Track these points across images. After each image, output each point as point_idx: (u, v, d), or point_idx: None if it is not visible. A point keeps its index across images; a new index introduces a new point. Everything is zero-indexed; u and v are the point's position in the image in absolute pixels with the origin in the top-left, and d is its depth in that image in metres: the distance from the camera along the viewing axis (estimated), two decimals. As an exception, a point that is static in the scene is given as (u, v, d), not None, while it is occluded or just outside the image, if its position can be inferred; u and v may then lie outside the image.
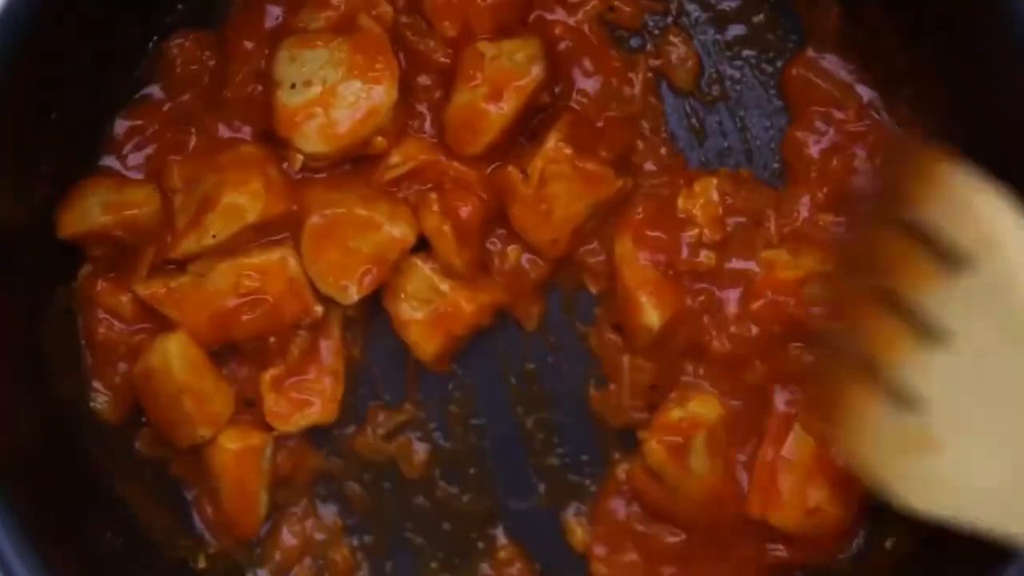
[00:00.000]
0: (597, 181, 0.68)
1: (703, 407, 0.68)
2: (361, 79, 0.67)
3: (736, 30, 0.72)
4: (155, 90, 0.70)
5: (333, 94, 0.67)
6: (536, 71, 0.68)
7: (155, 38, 0.70)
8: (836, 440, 0.56)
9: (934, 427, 0.51)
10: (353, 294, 0.68)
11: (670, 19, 0.72)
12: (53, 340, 0.67)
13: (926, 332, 0.52)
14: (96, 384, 0.69)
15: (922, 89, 0.67)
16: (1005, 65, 0.61)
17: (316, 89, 0.67)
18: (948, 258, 0.51)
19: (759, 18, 0.72)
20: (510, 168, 0.68)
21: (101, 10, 0.65)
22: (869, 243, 0.55)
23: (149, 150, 0.70)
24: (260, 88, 0.69)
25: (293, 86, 0.67)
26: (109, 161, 0.69)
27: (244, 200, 0.66)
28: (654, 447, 0.68)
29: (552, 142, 0.67)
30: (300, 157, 0.67)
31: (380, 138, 0.68)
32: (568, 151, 0.67)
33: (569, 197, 0.68)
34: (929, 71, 0.66)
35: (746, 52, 0.72)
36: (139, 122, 0.70)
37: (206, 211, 0.66)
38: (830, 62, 0.70)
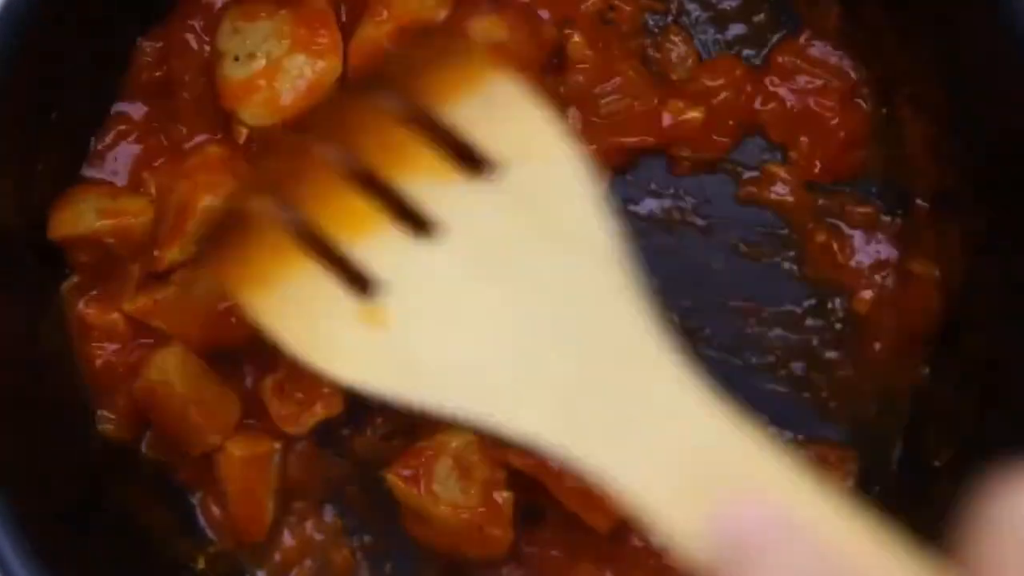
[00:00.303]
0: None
1: None
2: (305, 53, 0.66)
3: (736, 29, 0.72)
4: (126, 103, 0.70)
5: (278, 67, 0.66)
6: (444, 15, 0.66)
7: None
8: (244, 298, 0.51)
9: (393, 308, 0.49)
10: None
11: (670, 18, 0.72)
12: (50, 341, 0.67)
13: (409, 220, 0.50)
14: (102, 412, 0.68)
15: (922, 89, 0.67)
16: (1005, 65, 0.61)
17: (260, 62, 0.66)
18: (467, 159, 0.50)
19: (759, 17, 0.72)
20: None
21: (101, 10, 0.65)
22: (357, 119, 0.52)
23: (128, 161, 0.69)
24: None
25: (236, 59, 0.66)
26: (93, 172, 0.69)
27: (220, 202, 0.65)
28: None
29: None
30: (244, 131, 0.67)
31: None
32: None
33: None
34: (929, 71, 0.66)
35: (746, 52, 0.72)
36: (114, 134, 0.69)
37: (185, 219, 0.66)
38: (819, 49, 0.71)
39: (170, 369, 0.66)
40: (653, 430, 0.43)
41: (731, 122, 0.70)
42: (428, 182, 0.50)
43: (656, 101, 0.69)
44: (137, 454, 0.70)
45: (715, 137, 0.70)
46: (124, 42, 0.68)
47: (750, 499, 0.40)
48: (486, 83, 0.51)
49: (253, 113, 0.66)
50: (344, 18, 0.68)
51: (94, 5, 0.64)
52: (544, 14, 0.69)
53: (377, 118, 0.52)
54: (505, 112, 0.50)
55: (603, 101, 0.69)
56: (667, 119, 0.70)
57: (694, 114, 0.70)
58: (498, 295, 0.48)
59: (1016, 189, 0.62)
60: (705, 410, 0.43)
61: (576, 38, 0.69)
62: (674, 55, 0.71)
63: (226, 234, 0.53)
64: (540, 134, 0.49)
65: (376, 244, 0.49)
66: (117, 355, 0.68)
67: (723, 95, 0.70)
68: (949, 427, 0.68)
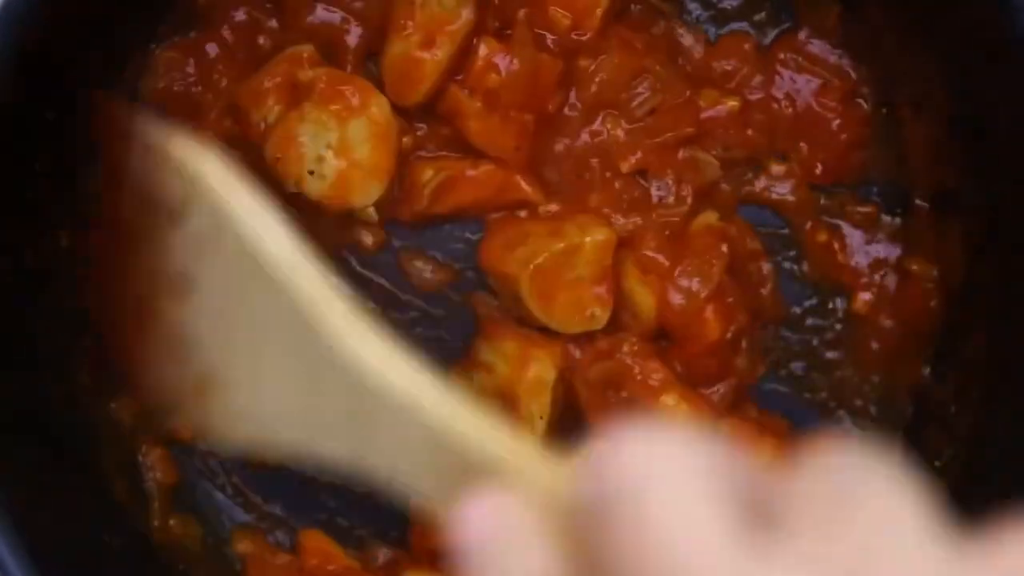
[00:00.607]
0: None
1: None
2: (353, 119, 0.66)
3: (737, 26, 0.72)
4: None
5: (349, 152, 0.67)
6: (467, 14, 0.67)
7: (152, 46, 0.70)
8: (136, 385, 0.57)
9: (213, 365, 0.53)
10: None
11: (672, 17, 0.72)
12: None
13: (173, 276, 0.54)
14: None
15: (922, 89, 0.67)
16: (1006, 64, 0.61)
17: (332, 164, 0.66)
18: (156, 208, 0.54)
19: (760, 16, 0.72)
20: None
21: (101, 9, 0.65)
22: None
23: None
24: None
25: (312, 173, 0.67)
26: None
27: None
28: None
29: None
30: (374, 215, 0.69)
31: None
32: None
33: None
34: (930, 71, 0.66)
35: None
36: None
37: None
38: (819, 47, 0.71)
39: None
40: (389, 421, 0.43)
41: (759, 116, 0.71)
42: (157, 238, 0.55)
43: (688, 93, 0.69)
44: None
45: (749, 132, 0.71)
46: (124, 43, 0.68)
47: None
48: (140, 132, 0.57)
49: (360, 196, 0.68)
50: (368, 47, 0.69)
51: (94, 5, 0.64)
52: (548, 37, 0.69)
53: None
54: (163, 157, 0.54)
55: (634, 104, 0.69)
56: (704, 110, 0.70)
57: (731, 103, 0.70)
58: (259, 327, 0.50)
59: (1016, 189, 0.62)
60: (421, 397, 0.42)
61: (582, 61, 0.69)
62: (686, 43, 0.71)
63: None
64: (202, 169, 0.53)
65: (174, 303, 0.55)
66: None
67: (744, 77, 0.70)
68: (949, 427, 0.68)
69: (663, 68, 0.69)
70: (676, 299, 0.67)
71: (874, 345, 0.71)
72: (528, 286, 0.67)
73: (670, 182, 0.69)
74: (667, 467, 0.32)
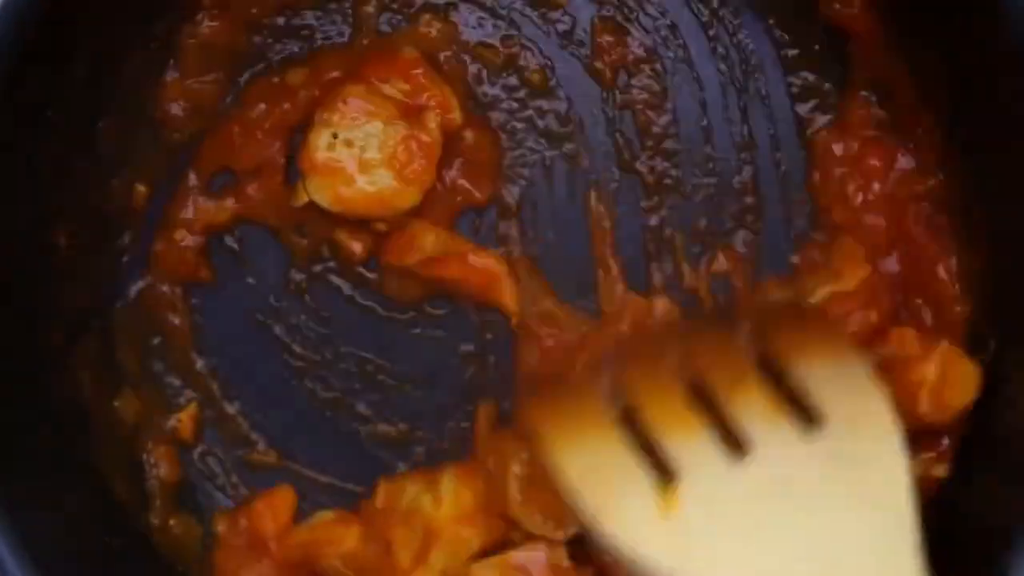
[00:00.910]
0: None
1: None
2: (391, 171, 0.67)
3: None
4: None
5: (366, 168, 0.67)
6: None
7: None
8: (550, 451, 0.59)
9: (684, 497, 0.56)
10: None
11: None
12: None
13: (722, 433, 0.57)
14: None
15: (923, 89, 0.67)
16: (1004, 67, 0.61)
17: (354, 152, 0.67)
18: (794, 408, 0.57)
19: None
20: None
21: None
22: (714, 342, 0.60)
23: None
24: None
25: (335, 136, 0.68)
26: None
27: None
28: None
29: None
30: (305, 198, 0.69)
31: None
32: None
33: None
34: (931, 76, 0.66)
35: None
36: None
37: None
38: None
39: None
40: None
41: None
42: (754, 413, 0.57)
43: None
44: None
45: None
46: (124, 44, 0.68)
47: None
48: (838, 355, 0.58)
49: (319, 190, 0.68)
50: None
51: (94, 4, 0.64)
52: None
53: (727, 346, 0.59)
54: (847, 382, 0.57)
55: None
56: None
57: None
58: (785, 523, 0.54)
59: (1016, 192, 0.62)
60: None
61: None
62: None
63: (554, 390, 0.63)
64: (871, 408, 0.56)
65: (687, 443, 0.57)
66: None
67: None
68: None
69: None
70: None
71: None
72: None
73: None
74: None
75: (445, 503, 0.66)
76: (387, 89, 0.68)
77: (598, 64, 0.70)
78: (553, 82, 0.71)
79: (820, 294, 0.67)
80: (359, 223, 0.69)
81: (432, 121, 0.68)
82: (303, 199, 0.69)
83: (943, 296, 0.66)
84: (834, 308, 0.66)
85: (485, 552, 0.66)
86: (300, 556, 0.68)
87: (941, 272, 0.66)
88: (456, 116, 0.69)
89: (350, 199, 0.68)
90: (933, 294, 0.67)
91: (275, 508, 0.69)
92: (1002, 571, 0.57)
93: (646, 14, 0.71)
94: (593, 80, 0.71)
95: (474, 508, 0.66)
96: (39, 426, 0.65)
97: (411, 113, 0.68)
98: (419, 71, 0.69)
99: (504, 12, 0.71)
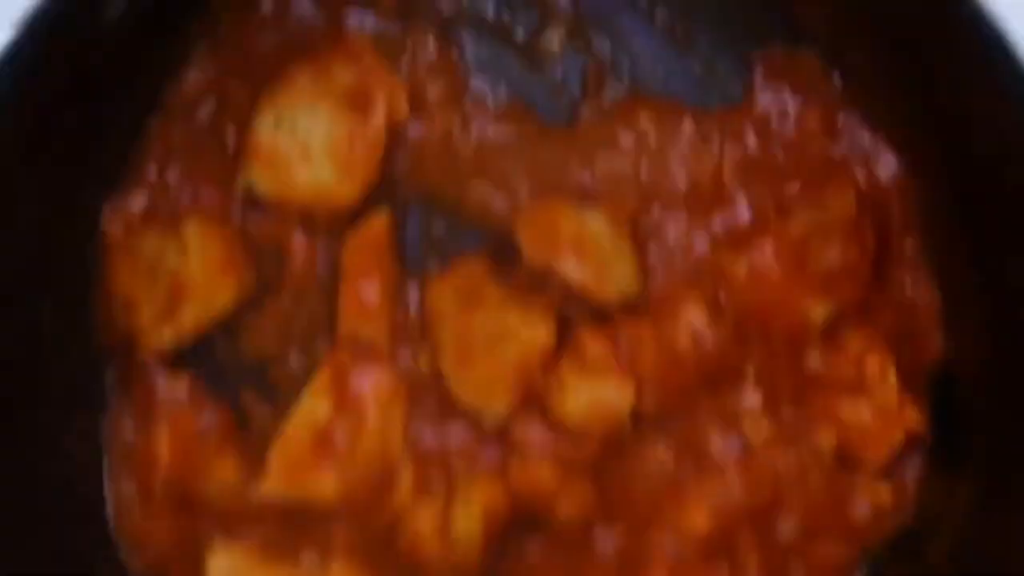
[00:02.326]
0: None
1: None
2: (334, 164, 0.65)
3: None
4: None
5: (308, 157, 0.65)
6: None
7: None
8: None
9: None
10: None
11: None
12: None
13: None
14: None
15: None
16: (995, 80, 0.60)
17: (297, 138, 0.65)
18: None
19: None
20: None
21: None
22: None
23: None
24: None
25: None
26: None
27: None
28: None
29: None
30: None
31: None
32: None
33: None
34: (919, 87, 0.66)
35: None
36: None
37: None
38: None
39: None
40: None
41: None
42: None
43: None
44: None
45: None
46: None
47: None
48: None
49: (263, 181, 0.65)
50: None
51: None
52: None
53: None
54: None
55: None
56: None
57: None
58: None
59: (1014, 194, 0.62)
60: None
61: None
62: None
63: None
64: None
65: None
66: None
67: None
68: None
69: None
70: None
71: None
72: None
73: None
74: None
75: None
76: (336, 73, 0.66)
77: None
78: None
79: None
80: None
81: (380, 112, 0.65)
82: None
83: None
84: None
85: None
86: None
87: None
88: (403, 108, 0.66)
89: (296, 190, 0.65)
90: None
91: None
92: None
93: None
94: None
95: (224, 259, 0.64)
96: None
97: (358, 102, 0.65)
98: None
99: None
